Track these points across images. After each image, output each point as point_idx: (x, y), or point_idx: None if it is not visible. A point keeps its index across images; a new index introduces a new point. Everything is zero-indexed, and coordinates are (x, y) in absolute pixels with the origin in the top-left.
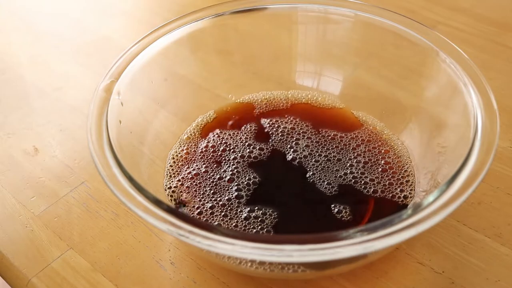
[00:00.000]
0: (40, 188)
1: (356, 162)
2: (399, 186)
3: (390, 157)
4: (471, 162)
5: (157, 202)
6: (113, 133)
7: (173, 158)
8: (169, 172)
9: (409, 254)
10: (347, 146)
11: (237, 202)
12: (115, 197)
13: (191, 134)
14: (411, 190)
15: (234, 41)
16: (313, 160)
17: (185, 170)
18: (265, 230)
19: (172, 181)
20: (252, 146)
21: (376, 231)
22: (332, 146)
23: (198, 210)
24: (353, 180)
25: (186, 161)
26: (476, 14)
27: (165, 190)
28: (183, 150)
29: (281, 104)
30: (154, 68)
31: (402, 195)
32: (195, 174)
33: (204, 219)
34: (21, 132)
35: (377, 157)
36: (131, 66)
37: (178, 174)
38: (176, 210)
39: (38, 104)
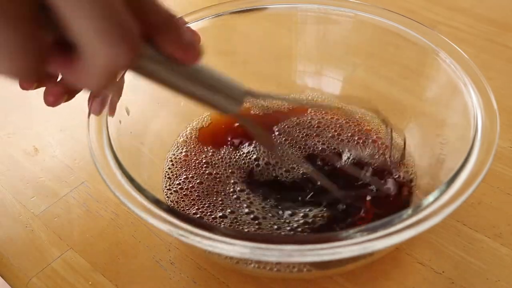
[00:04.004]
0: (40, 188)
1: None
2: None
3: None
4: (471, 162)
5: (157, 202)
6: (113, 133)
7: (171, 161)
8: (168, 174)
9: (409, 254)
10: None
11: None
12: (115, 197)
13: (187, 138)
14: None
15: (234, 41)
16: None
17: (184, 174)
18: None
19: (172, 184)
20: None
21: (376, 231)
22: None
23: (194, 210)
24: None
25: (186, 164)
26: (476, 14)
27: (164, 191)
28: (181, 152)
29: (277, 108)
30: None
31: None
32: (198, 181)
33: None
34: (21, 132)
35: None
36: None
37: (177, 177)
38: (176, 210)
39: (38, 104)
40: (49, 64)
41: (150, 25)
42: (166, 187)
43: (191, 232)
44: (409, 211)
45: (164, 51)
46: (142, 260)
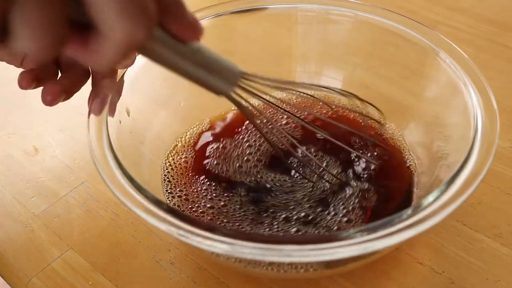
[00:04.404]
0: (40, 188)
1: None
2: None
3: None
4: (471, 162)
5: (157, 202)
6: (113, 133)
7: (171, 166)
8: (168, 178)
9: (409, 254)
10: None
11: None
12: (115, 197)
13: (185, 143)
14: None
15: (234, 41)
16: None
17: (185, 178)
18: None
19: (173, 189)
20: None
21: (376, 231)
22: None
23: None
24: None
25: (186, 170)
26: (476, 14)
27: (165, 195)
28: (181, 158)
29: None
30: (154, 68)
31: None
32: (199, 188)
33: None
34: (21, 132)
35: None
36: (131, 66)
37: (177, 183)
38: (176, 210)
39: (38, 104)
40: (67, 44)
41: (160, 5)
42: (167, 190)
43: (191, 232)
44: (409, 211)
45: (169, 30)
46: (142, 260)
